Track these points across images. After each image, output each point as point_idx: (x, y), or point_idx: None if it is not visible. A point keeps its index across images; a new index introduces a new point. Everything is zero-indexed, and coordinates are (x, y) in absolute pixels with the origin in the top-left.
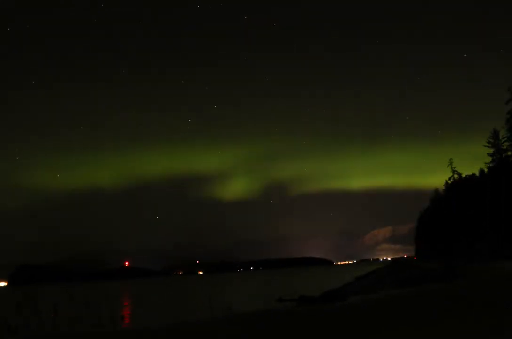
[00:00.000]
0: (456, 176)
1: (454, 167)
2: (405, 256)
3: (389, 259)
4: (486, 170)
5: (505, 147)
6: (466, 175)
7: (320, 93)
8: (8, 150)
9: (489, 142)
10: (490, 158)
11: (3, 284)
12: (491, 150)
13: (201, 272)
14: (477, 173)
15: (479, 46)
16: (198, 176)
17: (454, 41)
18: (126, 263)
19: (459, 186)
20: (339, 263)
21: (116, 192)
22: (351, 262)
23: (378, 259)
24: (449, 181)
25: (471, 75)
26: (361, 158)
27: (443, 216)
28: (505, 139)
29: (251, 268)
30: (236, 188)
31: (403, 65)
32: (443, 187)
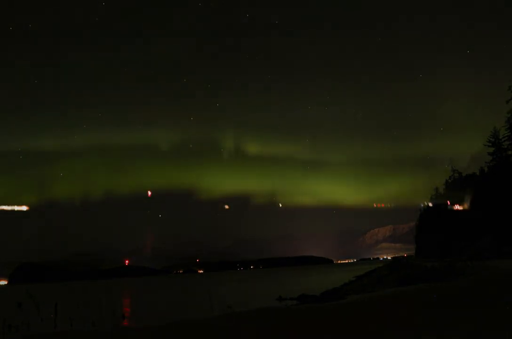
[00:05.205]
0: (456, 175)
1: (454, 166)
2: (405, 255)
3: (389, 258)
4: (486, 169)
5: (505, 146)
6: (466, 174)
7: None
8: None
9: (489, 141)
10: (490, 157)
11: (3, 282)
12: (491, 149)
13: (201, 271)
14: (477, 172)
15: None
16: None
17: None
18: (126, 261)
19: (459, 184)
20: (339, 262)
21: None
22: (352, 261)
23: (378, 258)
24: (450, 180)
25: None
26: None
27: (443, 215)
28: (506, 138)
29: (251, 266)
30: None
31: (403, 68)
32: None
